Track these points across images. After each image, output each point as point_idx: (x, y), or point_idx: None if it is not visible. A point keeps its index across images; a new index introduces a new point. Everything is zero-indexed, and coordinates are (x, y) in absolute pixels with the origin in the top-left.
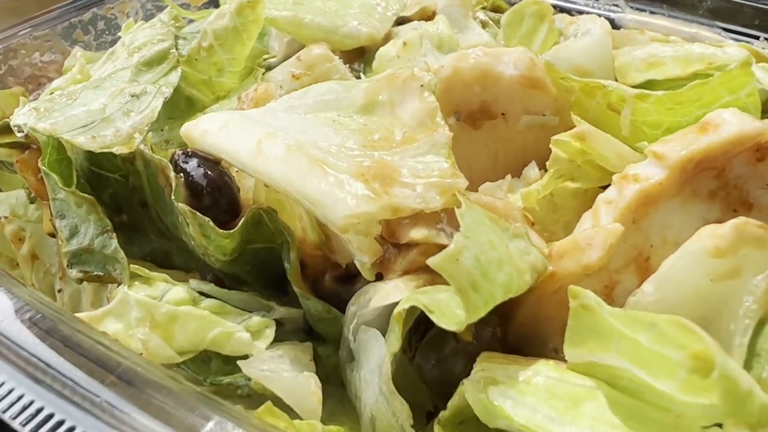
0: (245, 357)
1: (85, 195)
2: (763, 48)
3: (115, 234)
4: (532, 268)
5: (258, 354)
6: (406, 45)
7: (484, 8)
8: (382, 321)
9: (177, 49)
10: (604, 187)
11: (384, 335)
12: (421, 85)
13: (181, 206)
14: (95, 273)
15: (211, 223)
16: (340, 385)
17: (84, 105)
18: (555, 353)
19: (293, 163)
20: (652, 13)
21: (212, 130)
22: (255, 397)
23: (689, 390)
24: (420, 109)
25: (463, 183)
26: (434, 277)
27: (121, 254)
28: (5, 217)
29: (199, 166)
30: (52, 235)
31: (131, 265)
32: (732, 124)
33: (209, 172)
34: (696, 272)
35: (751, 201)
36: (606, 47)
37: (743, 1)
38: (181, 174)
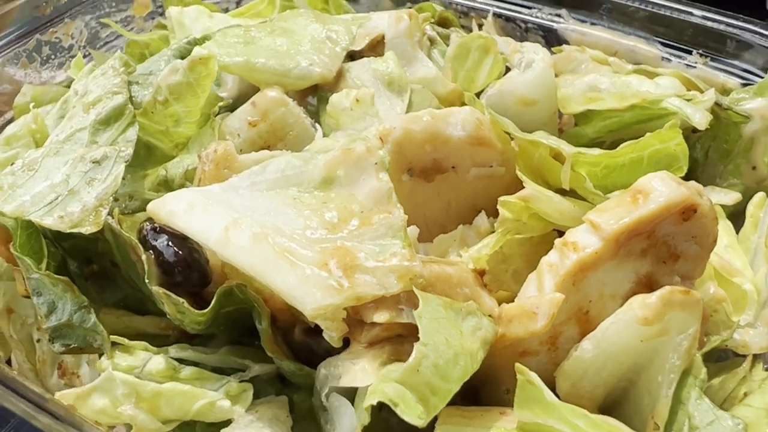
0: (227, 421)
1: (60, 277)
2: (695, 62)
3: (92, 309)
4: (484, 342)
5: (238, 419)
6: (358, 102)
7: (432, 23)
8: (351, 391)
9: (132, 98)
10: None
11: (353, 402)
12: (376, 163)
13: (155, 289)
14: (77, 346)
15: (186, 303)
16: (315, 420)
17: (47, 178)
18: (507, 393)
19: (260, 254)
20: (592, 24)
21: (178, 212)
22: None
23: None
24: (376, 189)
25: (419, 267)
26: (398, 348)
27: (101, 328)
28: None
29: (168, 244)
30: (27, 296)
31: (111, 336)
32: (661, 193)
33: (179, 251)
34: (627, 335)
35: (678, 253)
36: (548, 78)
37: (674, 16)
38: (151, 251)
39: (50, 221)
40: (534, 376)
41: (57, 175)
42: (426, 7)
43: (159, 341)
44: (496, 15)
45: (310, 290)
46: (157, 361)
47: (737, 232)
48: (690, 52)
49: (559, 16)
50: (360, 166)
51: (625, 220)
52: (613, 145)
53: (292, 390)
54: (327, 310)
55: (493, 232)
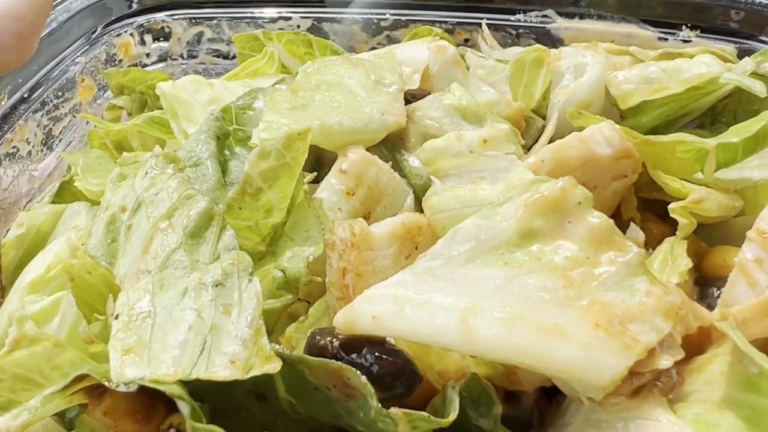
0: None
1: None
2: (689, 36)
3: None
4: None
5: None
6: (486, 142)
7: None
8: None
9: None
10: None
11: None
12: (579, 202)
13: (394, 412)
14: None
15: (432, 417)
16: None
17: (175, 321)
18: None
19: (522, 337)
20: (580, 17)
21: (389, 317)
22: None
23: None
24: (593, 229)
25: (678, 298)
26: (661, 389)
27: None
28: None
29: (377, 355)
30: None
31: None
32: None
33: (394, 360)
34: None
35: None
36: (603, 80)
37: None
38: (357, 370)
39: (226, 372)
40: None
41: (186, 314)
42: (422, 32)
43: None
44: (486, 24)
45: (599, 358)
46: None
47: None
48: (680, 27)
49: (546, 16)
50: (559, 210)
51: None
52: (654, 130)
53: None
54: (623, 375)
55: (644, 241)
